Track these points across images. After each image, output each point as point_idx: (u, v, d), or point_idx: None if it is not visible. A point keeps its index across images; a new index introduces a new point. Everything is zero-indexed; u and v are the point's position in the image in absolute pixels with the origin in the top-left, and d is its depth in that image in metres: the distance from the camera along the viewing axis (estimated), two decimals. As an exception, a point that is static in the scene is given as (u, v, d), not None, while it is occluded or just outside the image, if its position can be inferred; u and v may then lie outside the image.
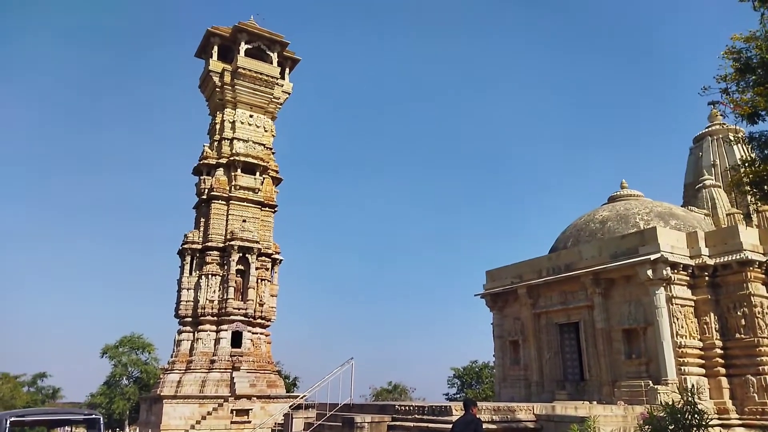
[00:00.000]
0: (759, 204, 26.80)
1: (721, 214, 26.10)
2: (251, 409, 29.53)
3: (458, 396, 50.40)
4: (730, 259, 18.91)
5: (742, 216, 25.99)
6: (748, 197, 26.96)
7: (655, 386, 17.98)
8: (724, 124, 28.94)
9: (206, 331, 31.87)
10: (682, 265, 19.14)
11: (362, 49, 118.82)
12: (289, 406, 19.59)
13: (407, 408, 14.30)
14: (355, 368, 17.25)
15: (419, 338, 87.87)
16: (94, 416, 8.82)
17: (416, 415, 13.73)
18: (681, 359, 18.34)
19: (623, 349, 19.57)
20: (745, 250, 18.88)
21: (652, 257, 18.60)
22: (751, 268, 18.65)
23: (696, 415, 9.71)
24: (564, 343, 21.95)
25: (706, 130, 29.24)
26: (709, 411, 17.48)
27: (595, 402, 18.58)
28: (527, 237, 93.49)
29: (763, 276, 19.05)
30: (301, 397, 20.31)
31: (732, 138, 28.20)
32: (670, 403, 15.21)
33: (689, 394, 10.14)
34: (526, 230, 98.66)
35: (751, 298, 18.43)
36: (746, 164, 10.70)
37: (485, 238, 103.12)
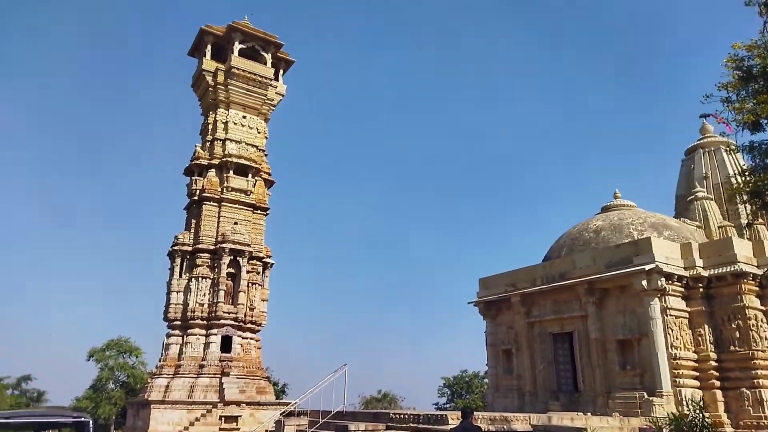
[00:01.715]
0: (751, 217, 26.99)
1: (713, 226, 26.15)
2: (240, 416, 29.13)
3: (448, 405, 50.18)
4: (724, 270, 18.93)
5: (734, 228, 26.08)
6: (741, 209, 27.23)
7: (650, 398, 17.93)
8: (716, 136, 29.07)
9: (196, 335, 31.44)
10: (676, 276, 19.14)
11: (358, 53, 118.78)
12: (281, 413, 19.31)
13: (402, 416, 14.10)
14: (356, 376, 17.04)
15: (409, 346, 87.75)
16: (83, 419, 8.49)
17: (411, 424, 13.54)
18: (676, 371, 18.29)
19: (617, 359, 19.50)
20: (739, 262, 18.92)
21: (647, 267, 18.57)
22: (745, 281, 18.67)
23: (705, 430, 9.57)
24: (558, 353, 21.85)
25: (699, 142, 29.37)
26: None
27: (589, 413, 18.48)
28: (520, 246, 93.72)
29: (757, 288, 19.08)
30: (292, 405, 20.04)
31: (724, 150, 28.54)
32: (666, 415, 15.19)
33: (697, 407, 10.00)
34: (518, 239, 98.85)
35: (746, 310, 18.45)
36: (745, 174, 10.63)
37: (478, 246, 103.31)
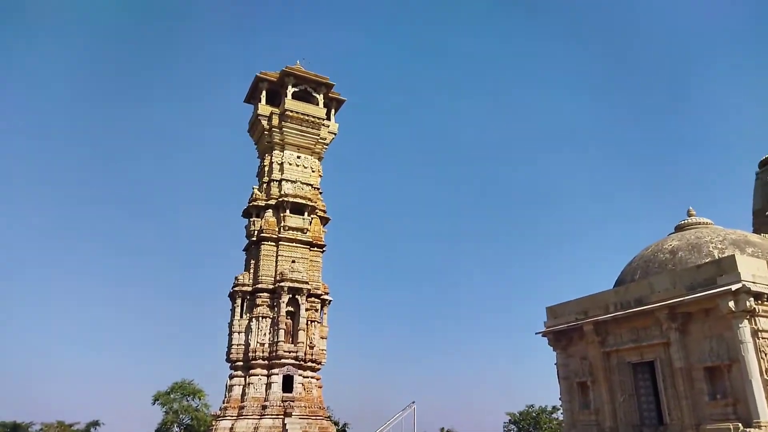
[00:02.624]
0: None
1: (797, 241, 24.30)
2: (304, 457, 28.60)
3: (515, 443, 48.00)
4: (821, 287, 17.32)
5: (822, 243, 24.13)
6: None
7: (747, 429, 16.33)
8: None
9: (257, 375, 31.37)
10: (766, 296, 17.62)
11: (408, 90, 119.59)
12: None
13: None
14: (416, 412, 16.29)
15: (472, 382, 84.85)
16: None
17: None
18: (774, 399, 16.63)
19: (706, 389, 17.93)
20: (837, 277, 17.28)
21: (734, 287, 17.15)
22: None
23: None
24: (638, 384, 20.36)
25: (774, 152, 27.68)
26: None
27: (679, 448, 17.02)
28: (586, 272, 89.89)
29: None
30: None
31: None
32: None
33: None
34: (584, 265, 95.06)
35: None
36: None
37: (541, 274, 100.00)
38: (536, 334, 23.53)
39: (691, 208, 24.20)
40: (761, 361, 16.95)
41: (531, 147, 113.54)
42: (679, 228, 23.61)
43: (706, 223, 23.35)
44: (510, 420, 50.52)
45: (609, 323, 20.99)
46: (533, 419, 49.29)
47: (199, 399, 48.60)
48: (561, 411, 44.46)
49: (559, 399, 23.30)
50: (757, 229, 26.03)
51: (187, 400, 48.30)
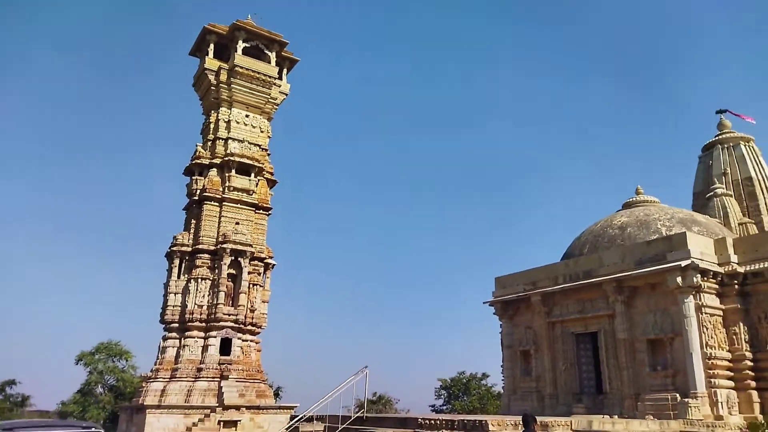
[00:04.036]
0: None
1: (733, 222, 25.38)
2: (240, 420, 27.91)
3: (444, 408, 49.05)
4: (762, 266, 18.04)
5: (754, 225, 25.36)
6: (762, 206, 26.48)
7: (685, 399, 16.94)
8: (735, 132, 28.46)
9: (194, 337, 30.16)
10: (711, 273, 18.23)
11: (365, 55, 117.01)
12: (296, 420, 18.08)
13: (433, 422, 13.00)
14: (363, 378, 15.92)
15: (415, 347, 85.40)
16: (93, 430, 7.36)
17: (444, 430, 12.44)
18: (710, 371, 17.33)
19: (648, 360, 18.51)
20: (777, 257, 18.06)
21: (683, 264, 17.64)
22: (784, 276, 17.82)
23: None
24: (580, 353, 20.85)
25: (716, 138, 28.65)
26: (740, 426, 16.52)
27: (616, 416, 17.48)
28: (533, 245, 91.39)
29: (796, 285, 18.23)
30: (303, 411, 18.84)
31: (743, 145, 27.84)
32: (701, 417, 14.22)
33: None
34: (530, 238, 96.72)
35: (785, 307, 17.59)
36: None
37: (489, 244, 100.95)
38: (484, 303, 23.67)
39: (639, 186, 24.79)
40: (703, 335, 17.58)
41: (482, 116, 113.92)
42: (628, 205, 24.14)
43: (653, 202, 23.98)
44: (441, 386, 51.56)
45: (556, 294, 21.29)
46: (463, 385, 50.50)
47: (126, 360, 46.82)
48: (490, 378, 45.74)
49: (501, 366, 23.63)
50: (697, 210, 26.94)
51: (113, 361, 46.48)
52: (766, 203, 25.83)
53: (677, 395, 17.33)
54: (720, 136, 28.54)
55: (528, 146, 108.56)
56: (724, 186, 26.80)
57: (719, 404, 16.99)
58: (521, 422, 8.35)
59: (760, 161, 27.33)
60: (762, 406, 17.62)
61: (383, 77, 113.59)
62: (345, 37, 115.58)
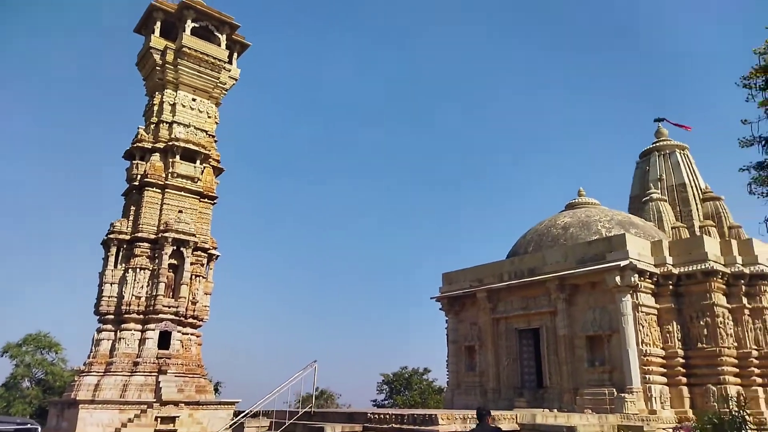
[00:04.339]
0: (702, 219, 27.74)
1: (666, 226, 26.59)
2: (178, 417, 27.08)
3: (386, 402, 49.42)
4: (694, 268, 19.00)
5: (686, 229, 26.67)
6: (693, 212, 27.92)
7: (621, 394, 17.66)
8: (671, 140, 29.84)
9: (130, 330, 29.07)
10: (648, 273, 19.06)
11: (320, 45, 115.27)
12: (242, 415, 17.69)
13: (382, 416, 13.01)
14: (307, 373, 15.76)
15: (360, 343, 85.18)
16: (29, 426, 6.98)
17: (394, 425, 12.46)
18: (645, 367, 18.13)
19: (586, 356, 19.19)
20: (709, 260, 19.03)
21: (622, 264, 18.36)
22: (714, 279, 18.80)
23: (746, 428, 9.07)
24: (522, 349, 21.40)
25: (653, 145, 29.96)
26: (671, 420, 17.39)
27: (555, 410, 18.05)
28: (480, 243, 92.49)
29: (725, 287, 19.28)
30: (246, 407, 18.47)
31: (679, 153, 29.27)
32: (636, 412, 14.88)
33: (739, 405, 9.52)
34: (477, 236, 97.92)
35: (714, 308, 18.56)
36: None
37: (436, 241, 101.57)
38: (431, 298, 23.90)
39: (581, 188, 25.62)
40: (638, 333, 18.37)
41: (431, 109, 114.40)
42: (570, 206, 24.91)
43: (594, 204, 24.85)
44: (383, 381, 51.94)
45: (502, 291, 21.74)
46: (405, 380, 51.03)
47: (56, 353, 44.71)
48: (431, 373, 46.40)
49: (446, 361, 23.95)
50: (633, 213, 28.04)
51: (42, 353, 44.27)
52: (697, 209, 27.22)
53: (614, 390, 18.04)
54: (657, 144, 29.85)
55: (477, 144, 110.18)
56: (659, 191, 28.05)
57: (653, 399, 17.81)
58: (476, 416, 8.40)
59: (693, 169, 28.80)
60: (692, 401, 18.58)
61: (333, 67, 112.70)
62: (297, 26, 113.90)
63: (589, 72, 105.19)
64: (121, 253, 29.63)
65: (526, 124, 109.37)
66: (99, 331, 28.93)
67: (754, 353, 18.63)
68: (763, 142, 10.75)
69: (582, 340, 19.34)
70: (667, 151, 29.20)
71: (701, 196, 27.75)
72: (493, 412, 13.83)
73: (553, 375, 19.92)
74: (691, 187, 28.03)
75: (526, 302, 21.16)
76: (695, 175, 28.57)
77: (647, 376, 18.05)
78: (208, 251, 31.42)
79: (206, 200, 31.61)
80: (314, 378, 15.21)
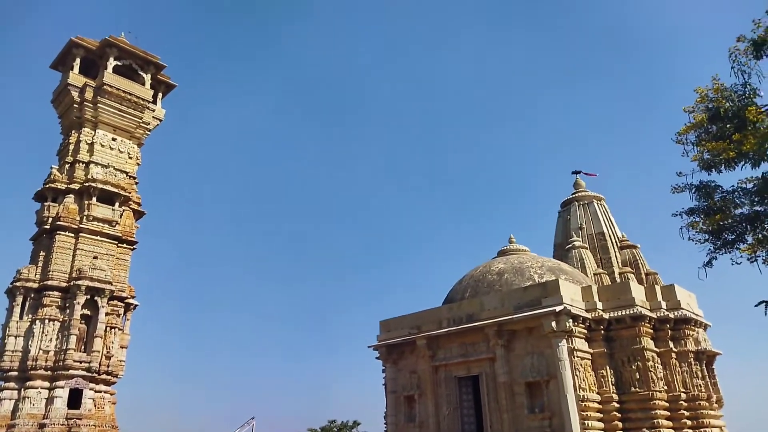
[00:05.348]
0: (621, 266, 29.30)
1: (589, 273, 27.77)
2: (89, 486, 24.70)
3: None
4: (623, 313, 19.78)
5: (607, 276, 28.01)
6: (612, 259, 29.44)
7: (561, 441, 17.81)
8: (588, 191, 31.59)
9: (37, 388, 26.53)
10: (581, 318, 19.62)
11: (244, 87, 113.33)
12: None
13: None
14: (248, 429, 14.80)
15: (287, 394, 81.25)
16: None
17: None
18: (584, 413, 18.38)
19: (526, 402, 19.27)
20: (636, 305, 19.90)
21: (557, 309, 18.81)
22: (642, 323, 19.62)
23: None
24: (462, 397, 21.20)
25: (573, 195, 31.58)
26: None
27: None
28: (414, 289, 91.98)
29: (652, 331, 20.17)
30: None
31: (596, 203, 31.02)
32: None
33: None
34: (412, 282, 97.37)
35: (644, 352, 19.29)
36: (707, 213, 10.92)
37: (370, 288, 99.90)
38: (369, 347, 23.40)
39: (512, 235, 26.39)
40: (575, 378, 18.71)
41: (353, 160, 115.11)
42: (503, 252, 25.51)
43: (524, 250, 25.60)
44: (311, 436, 49.87)
45: (441, 338, 21.65)
46: (336, 434, 49.24)
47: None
48: (361, 426, 45.15)
49: (384, 413, 23.34)
50: (558, 259, 29.25)
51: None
52: (616, 256, 28.69)
53: (554, 436, 18.14)
54: (576, 194, 31.48)
55: (406, 195, 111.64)
56: (581, 239, 29.41)
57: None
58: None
59: (610, 218, 30.51)
60: (628, 447, 19.00)
61: (259, 111, 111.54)
62: (225, 69, 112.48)
63: (511, 120, 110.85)
64: (27, 303, 27.19)
65: (453, 171, 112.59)
66: (1, 389, 26.10)
67: (683, 396, 19.44)
68: (694, 189, 11.44)
69: (521, 387, 19.46)
70: (586, 202, 30.82)
71: (619, 244, 29.35)
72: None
73: (494, 423, 19.83)
74: (609, 235, 29.59)
75: (466, 349, 21.16)
76: (611, 223, 30.27)
77: (586, 422, 18.30)
78: (126, 300, 29.42)
79: (125, 245, 29.79)
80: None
